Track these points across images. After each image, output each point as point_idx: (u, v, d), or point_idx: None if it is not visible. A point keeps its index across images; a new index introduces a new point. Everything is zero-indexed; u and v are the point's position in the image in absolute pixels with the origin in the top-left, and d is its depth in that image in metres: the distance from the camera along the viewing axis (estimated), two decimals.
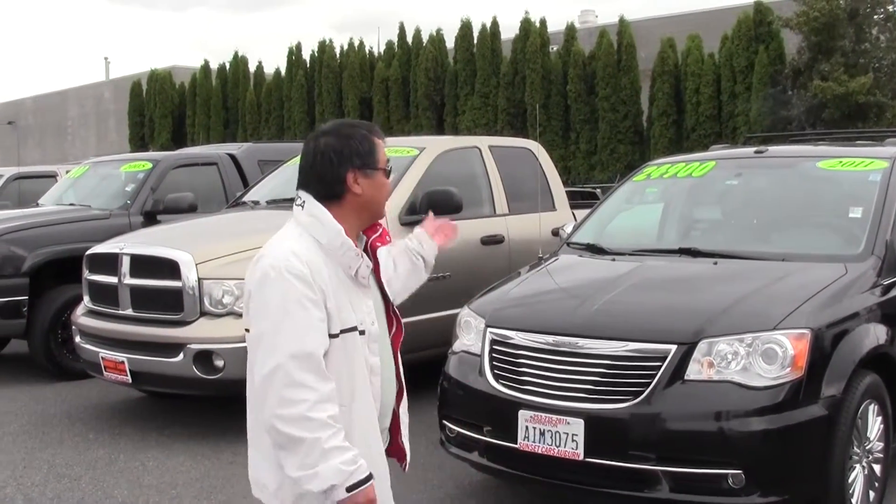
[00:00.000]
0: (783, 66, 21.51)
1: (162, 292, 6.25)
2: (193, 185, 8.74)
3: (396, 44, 28.57)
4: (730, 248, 4.99)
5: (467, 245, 7.08)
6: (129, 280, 6.46)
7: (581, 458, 4.03)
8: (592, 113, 24.33)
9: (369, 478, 2.37)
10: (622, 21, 24.49)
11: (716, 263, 4.77)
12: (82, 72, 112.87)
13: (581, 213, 6.95)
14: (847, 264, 4.55)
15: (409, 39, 28.29)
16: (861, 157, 5.34)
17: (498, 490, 5.11)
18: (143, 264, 6.43)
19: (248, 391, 2.55)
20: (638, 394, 3.98)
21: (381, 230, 2.69)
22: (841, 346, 4.12)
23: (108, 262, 6.64)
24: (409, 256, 2.93)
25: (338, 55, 29.79)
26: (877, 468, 4.33)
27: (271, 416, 2.34)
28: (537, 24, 25.52)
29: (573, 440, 4.04)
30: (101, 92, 44.30)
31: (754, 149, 5.94)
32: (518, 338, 4.42)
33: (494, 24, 26.43)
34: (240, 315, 5.56)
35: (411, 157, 7.10)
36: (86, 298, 6.95)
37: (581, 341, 4.19)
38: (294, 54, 30.71)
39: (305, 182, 2.55)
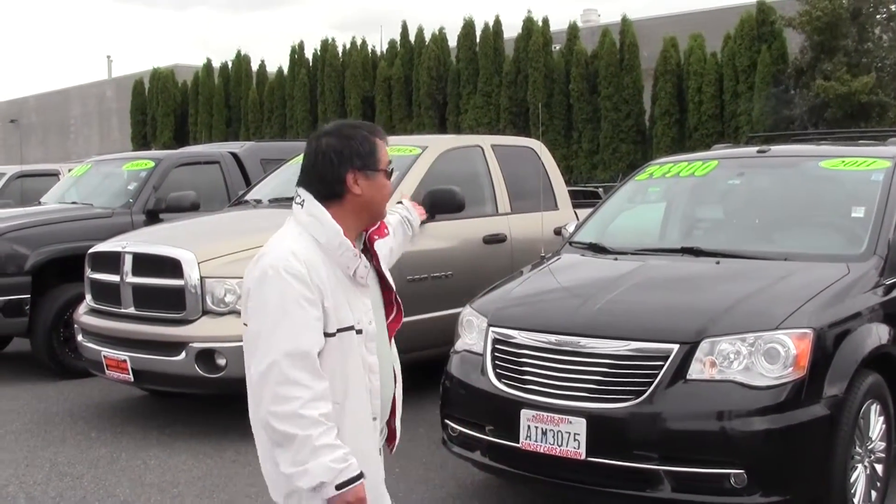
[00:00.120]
0: (786, 65, 21.51)
1: (164, 291, 6.25)
2: (196, 184, 8.74)
3: (399, 43, 28.59)
4: (732, 248, 4.98)
5: (469, 244, 7.09)
6: (131, 279, 6.46)
7: (583, 457, 4.02)
8: (595, 112, 24.33)
9: (359, 476, 2.39)
10: (625, 20, 24.50)
11: (718, 263, 4.76)
12: (85, 70, 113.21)
13: (583, 213, 6.94)
14: (849, 264, 4.54)
15: (412, 38, 28.31)
16: (863, 157, 5.33)
17: (500, 489, 5.11)
18: (145, 263, 6.43)
19: (248, 388, 2.57)
20: (640, 393, 3.98)
21: (379, 223, 2.72)
22: (843, 346, 4.11)
23: (111, 261, 6.64)
24: (402, 229, 3.21)
25: (340, 54, 29.81)
26: (879, 468, 4.33)
27: (266, 413, 2.39)
28: (540, 24, 25.53)
29: (575, 439, 4.04)
30: (104, 90, 44.34)
31: (757, 148, 5.93)
32: (520, 337, 4.42)
33: (497, 23, 26.45)
34: None
35: (414, 155, 7.09)
36: (88, 297, 6.95)
37: (583, 340, 4.18)
38: (297, 53, 30.74)
39: (307, 181, 2.58)
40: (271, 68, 32.28)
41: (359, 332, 2.52)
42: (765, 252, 4.89)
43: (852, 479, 4.10)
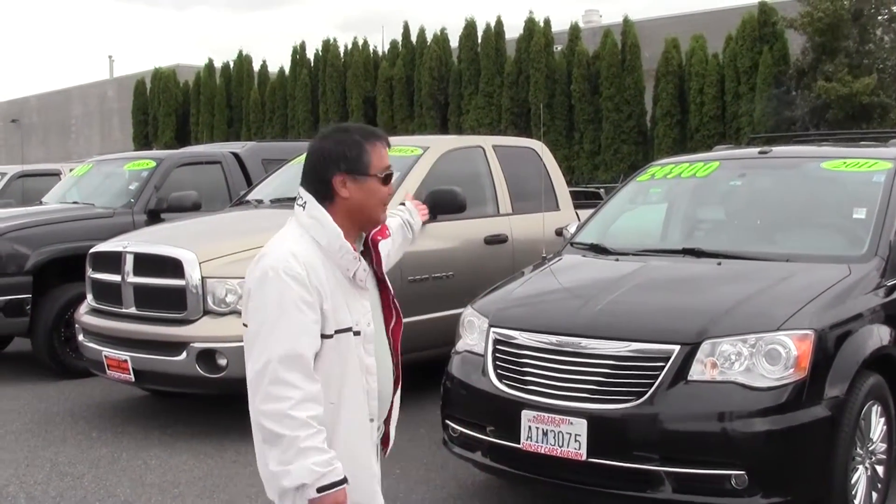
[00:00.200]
0: (787, 66, 21.47)
1: (165, 291, 6.25)
2: (197, 184, 8.74)
3: (400, 43, 28.56)
4: (733, 249, 4.98)
5: (471, 244, 7.09)
6: (132, 278, 6.46)
7: (584, 458, 4.03)
8: (596, 113, 24.30)
9: (342, 482, 2.41)
10: (626, 21, 24.46)
11: (719, 264, 4.76)
12: (86, 70, 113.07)
13: (585, 213, 6.94)
14: (851, 265, 4.54)
15: (414, 39, 28.28)
16: (865, 158, 5.33)
17: (501, 490, 5.11)
18: (146, 263, 6.44)
19: (248, 387, 2.58)
20: (641, 394, 3.98)
21: (380, 225, 2.73)
22: (844, 347, 4.11)
23: (112, 261, 6.64)
24: (402, 232, 3.25)
25: (342, 54, 29.78)
26: (880, 469, 4.33)
27: (256, 411, 2.43)
28: (541, 24, 25.50)
29: (576, 440, 4.04)
30: (105, 90, 44.32)
31: (758, 149, 5.93)
32: (521, 338, 4.42)
33: (499, 23, 26.42)
34: None
35: (415, 156, 7.10)
36: (89, 297, 6.96)
37: (584, 341, 4.19)
38: (298, 53, 30.71)
39: (306, 182, 2.60)
40: (273, 68, 32.26)
41: (356, 333, 2.54)
42: (766, 253, 4.89)
43: (853, 481, 4.10)
